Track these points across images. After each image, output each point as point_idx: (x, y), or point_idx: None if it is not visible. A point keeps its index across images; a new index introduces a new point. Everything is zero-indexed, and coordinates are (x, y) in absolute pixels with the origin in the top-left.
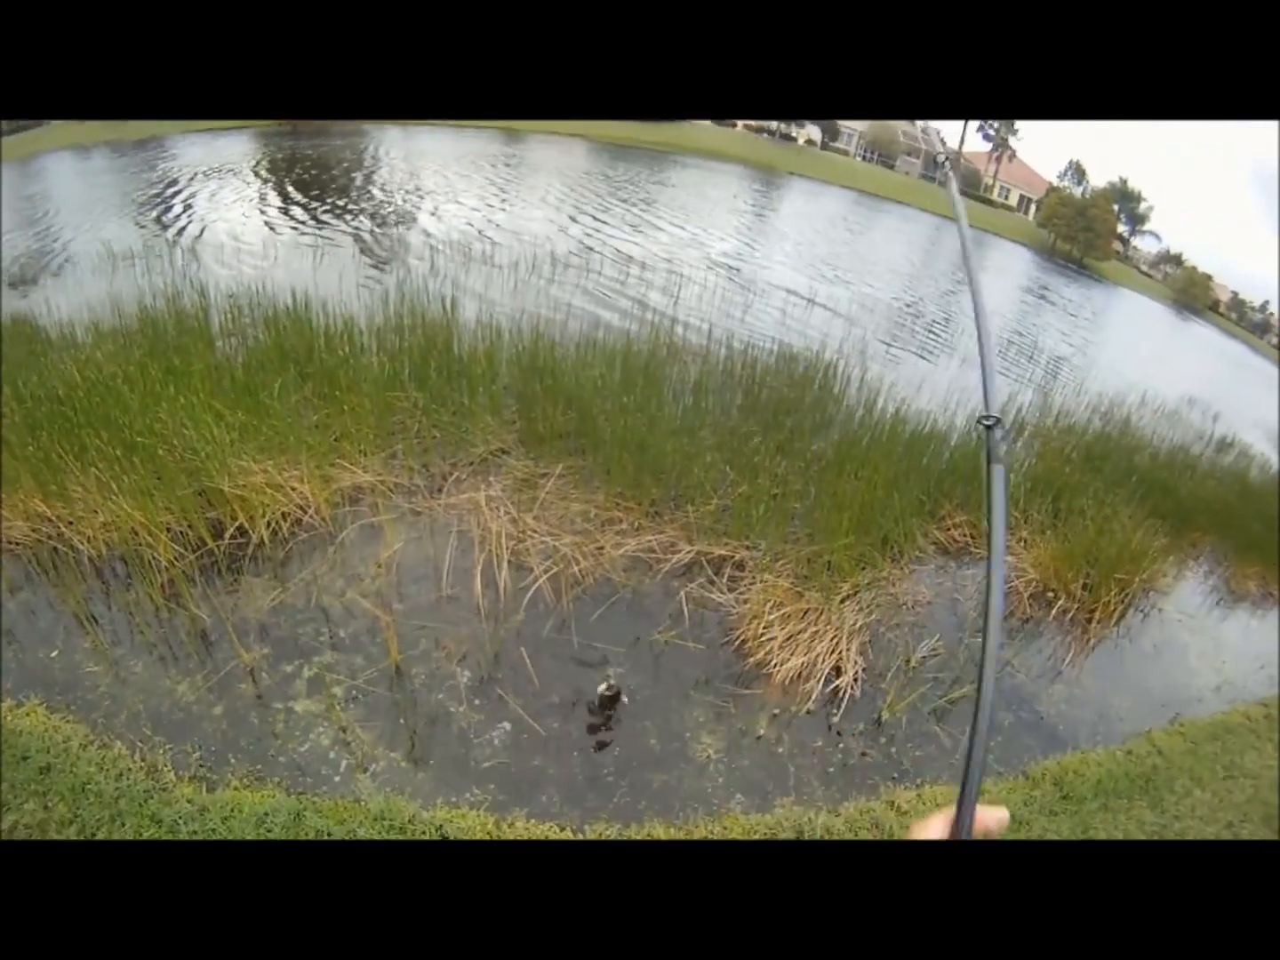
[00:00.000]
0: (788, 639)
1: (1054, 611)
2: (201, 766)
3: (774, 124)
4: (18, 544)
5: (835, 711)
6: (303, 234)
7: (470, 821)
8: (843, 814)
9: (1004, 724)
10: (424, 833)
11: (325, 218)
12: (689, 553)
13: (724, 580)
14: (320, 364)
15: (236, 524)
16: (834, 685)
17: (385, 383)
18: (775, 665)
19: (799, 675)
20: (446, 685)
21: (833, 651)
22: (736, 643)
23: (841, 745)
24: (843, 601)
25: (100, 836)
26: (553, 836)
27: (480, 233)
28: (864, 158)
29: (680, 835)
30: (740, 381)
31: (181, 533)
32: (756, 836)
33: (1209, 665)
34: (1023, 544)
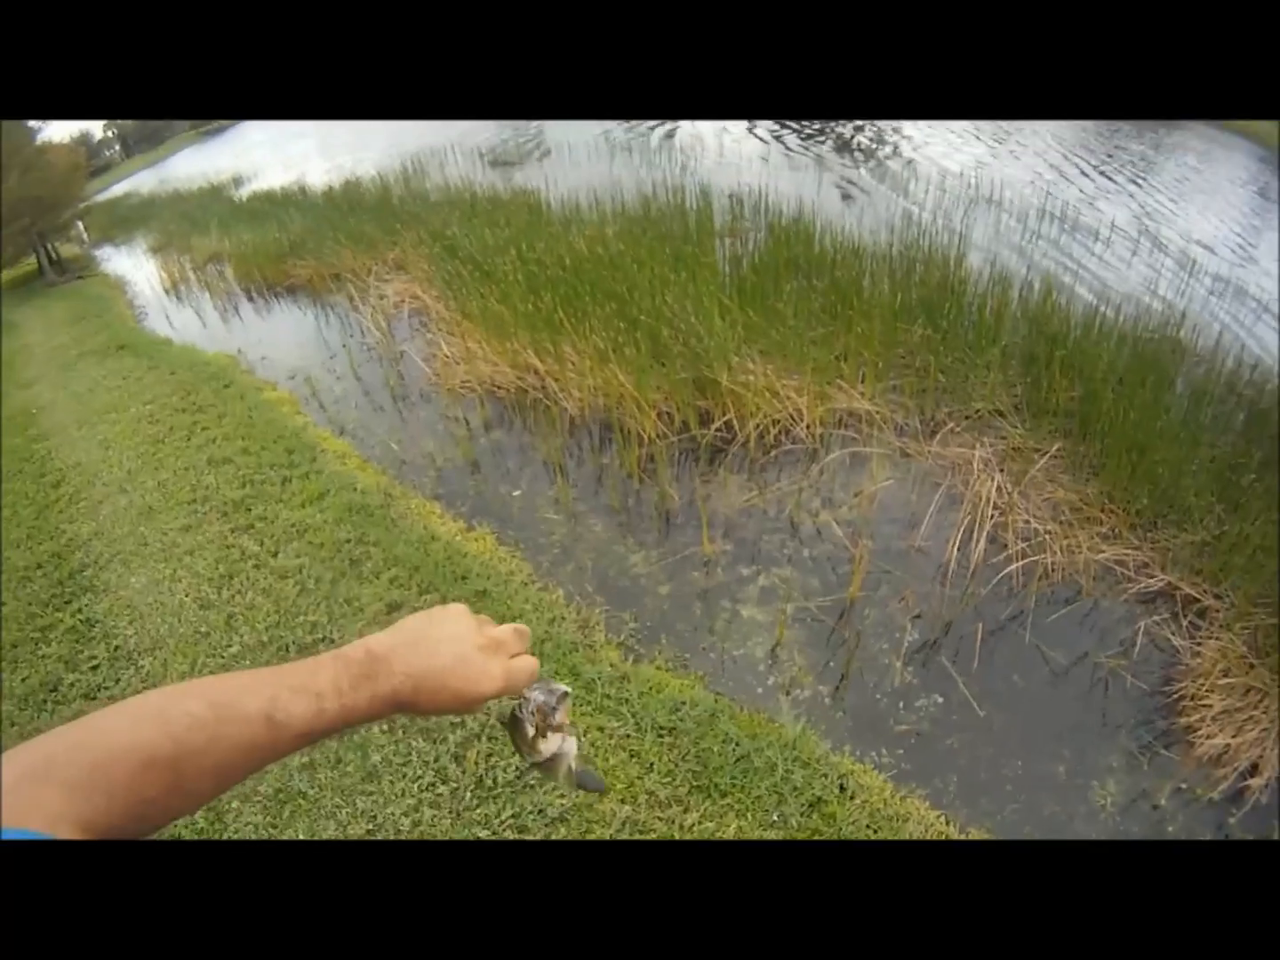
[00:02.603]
0: (1223, 712)
1: None
2: (632, 637)
3: None
4: (500, 388)
5: (1235, 812)
6: (795, 151)
7: (870, 781)
8: None
9: None
10: (825, 775)
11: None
12: (1160, 581)
13: (1185, 622)
14: (832, 279)
15: (725, 418)
16: (1245, 784)
17: (896, 312)
18: (1201, 736)
19: (1218, 757)
20: (894, 636)
21: (1258, 744)
22: (1174, 696)
23: None
24: None
25: None
26: (938, 827)
27: (977, 170)
28: None
29: None
30: (1243, 402)
31: (668, 413)
32: None
33: None
34: None
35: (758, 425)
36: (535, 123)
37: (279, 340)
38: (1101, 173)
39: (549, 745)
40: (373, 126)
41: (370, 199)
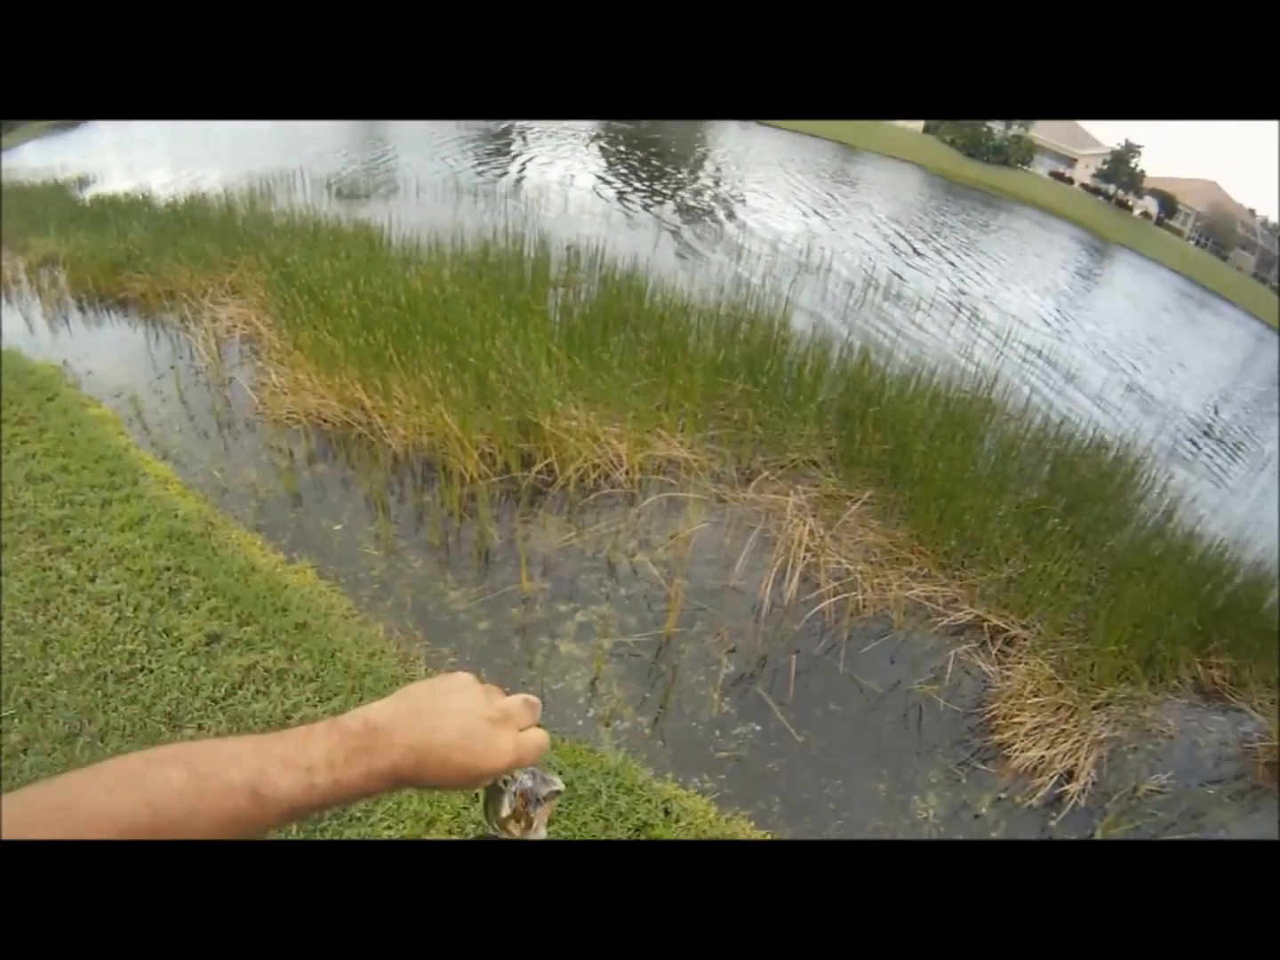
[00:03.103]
0: (1035, 728)
1: None
2: (452, 671)
3: (1111, 188)
4: (327, 421)
5: (1055, 815)
6: (632, 209)
7: (694, 805)
8: None
9: None
10: (649, 800)
11: (648, 196)
12: (969, 614)
13: (994, 650)
14: (660, 333)
15: (547, 461)
16: (1063, 789)
17: (718, 367)
18: (1016, 750)
19: (1034, 768)
20: (710, 669)
21: (1072, 754)
22: (987, 716)
23: None
24: (1094, 708)
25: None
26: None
27: (809, 239)
28: (1198, 243)
29: None
30: (1049, 455)
31: (491, 454)
32: None
33: None
34: (1276, 707)
35: (578, 469)
36: (385, 159)
37: (107, 355)
38: (914, 249)
39: (517, 832)
40: (222, 141)
41: (214, 217)
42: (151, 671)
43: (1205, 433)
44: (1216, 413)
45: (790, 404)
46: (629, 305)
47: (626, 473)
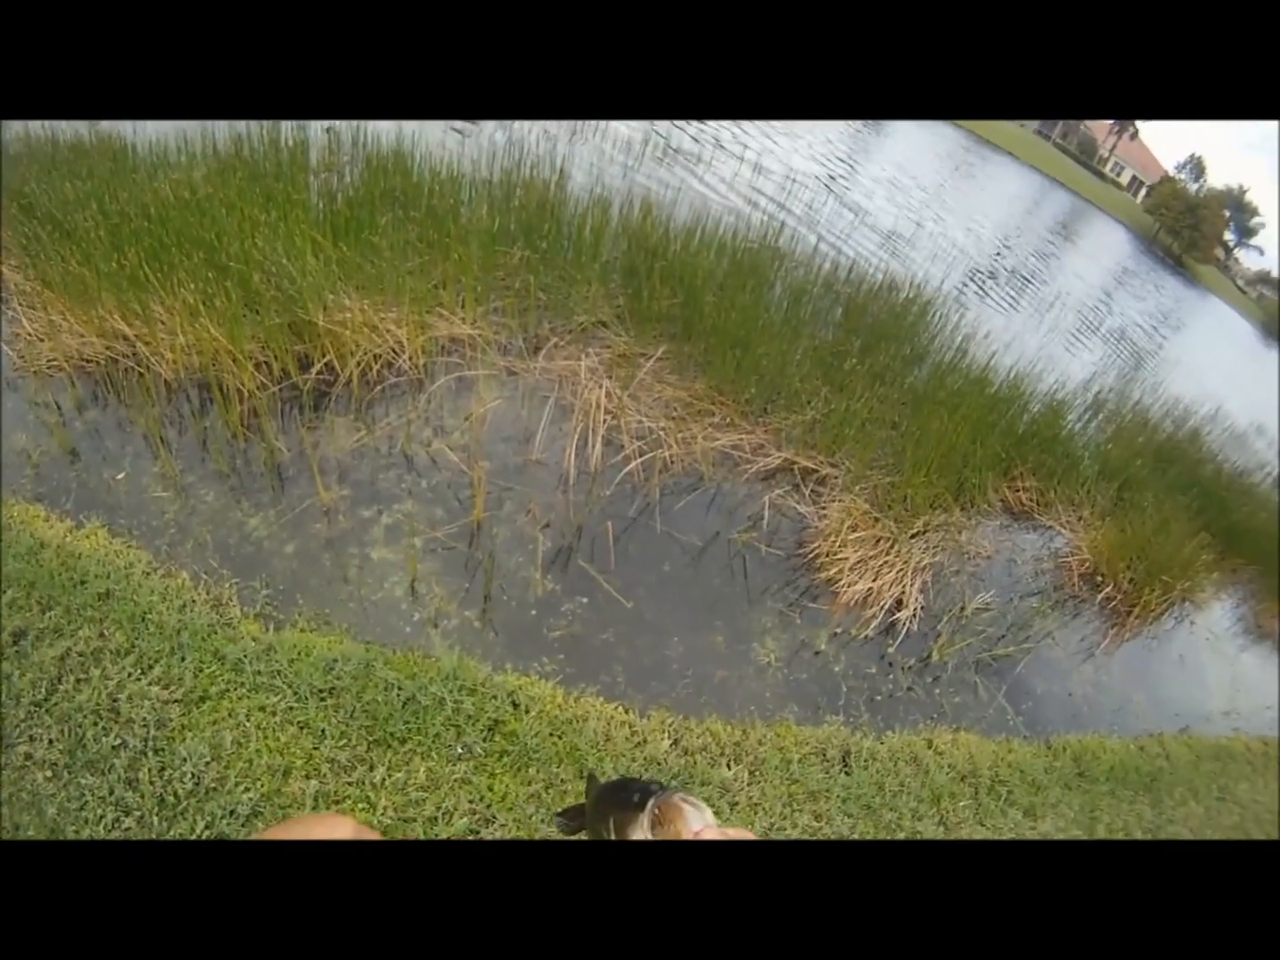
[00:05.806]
0: (859, 562)
1: (1099, 596)
2: (268, 605)
3: None
4: (90, 361)
5: (891, 642)
6: None
7: (540, 691)
8: (886, 743)
9: (1035, 690)
10: (495, 696)
11: None
12: (777, 459)
13: (808, 491)
14: (428, 208)
15: (325, 360)
16: (894, 617)
17: (494, 236)
18: (844, 585)
19: (863, 600)
20: (527, 549)
21: (897, 583)
22: (810, 556)
23: (891, 676)
24: (913, 537)
25: (158, 670)
26: (618, 718)
27: None
28: None
29: (737, 735)
30: (840, 298)
31: (266, 363)
32: (807, 749)
33: (1222, 689)
34: (1082, 523)
35: (359, 363)
36: None
37: None
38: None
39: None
40: None
41: None
42: None
43: (992, 275)
44: (1000, 255)
45: (573, 266)
46: (396, 182)
47: (410, 358)
